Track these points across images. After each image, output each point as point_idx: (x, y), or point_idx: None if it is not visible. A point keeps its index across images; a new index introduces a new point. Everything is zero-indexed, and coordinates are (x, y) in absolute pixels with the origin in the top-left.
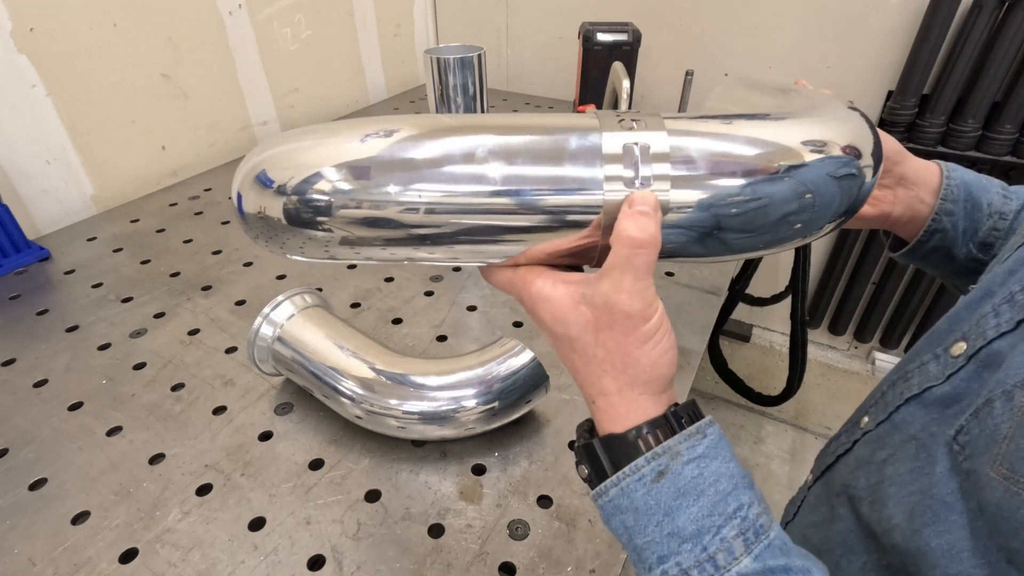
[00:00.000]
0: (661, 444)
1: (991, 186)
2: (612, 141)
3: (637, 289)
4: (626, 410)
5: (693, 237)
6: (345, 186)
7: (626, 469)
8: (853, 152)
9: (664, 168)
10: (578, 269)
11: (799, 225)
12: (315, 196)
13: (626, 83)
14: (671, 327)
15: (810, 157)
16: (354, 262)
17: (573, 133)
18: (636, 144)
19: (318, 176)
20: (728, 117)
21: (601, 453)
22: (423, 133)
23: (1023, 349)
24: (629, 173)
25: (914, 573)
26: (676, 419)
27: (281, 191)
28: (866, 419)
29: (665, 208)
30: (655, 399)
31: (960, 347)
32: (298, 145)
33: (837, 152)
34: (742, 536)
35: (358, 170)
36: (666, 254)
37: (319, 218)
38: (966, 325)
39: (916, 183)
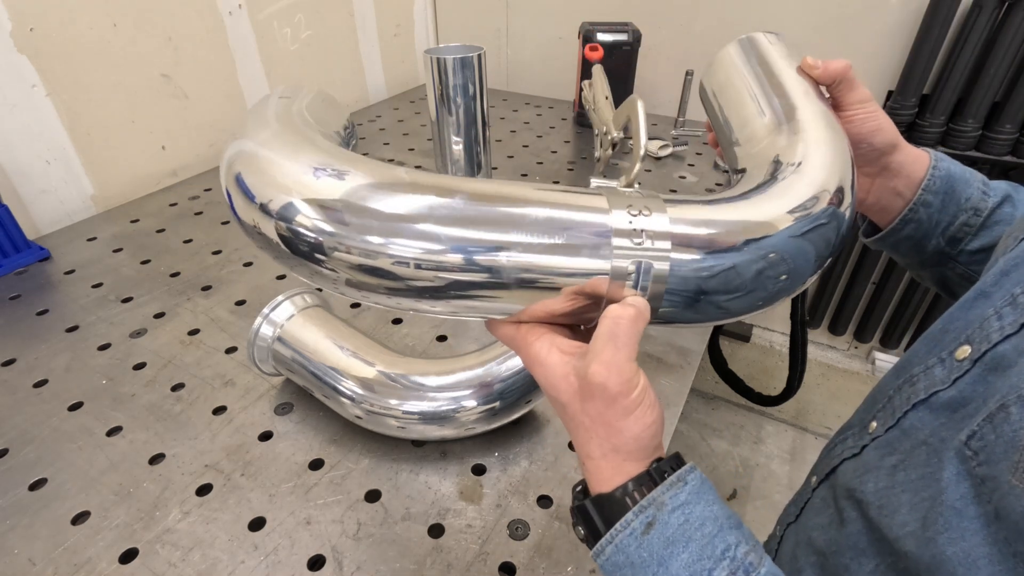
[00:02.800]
0: (646, 497)
1: (973, 180)
2: (619, 220)
3: (616, 363)
4: (611, 473)
5: (685, 304)
6: (326, 227)
7: (617, 525)
8: (836, 200)
9: (665, 246)
10: (579, 328)
11: (784, 277)
12: (303, 231)
13: (644, 138)
14: (656, 400)
15: (784, 224)
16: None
17: (580, 211)
18: (643, 230)
19: (295, 208)
20: (713, 201)
21: (593, 513)
22: (381, 184)
23: None
24: (632, 253)
25: None
26: (659, 473)
27: (265, 211)
28: (875, 424)
29: (660, 280)
30: (639, 464)
31: (964, 351)
32: (265, 151)
33: (818, 210)
34: None
35: (331, 212)
36: (666, 320)
37: (317, 255)
38: (967, 327)
39: (898, 174)
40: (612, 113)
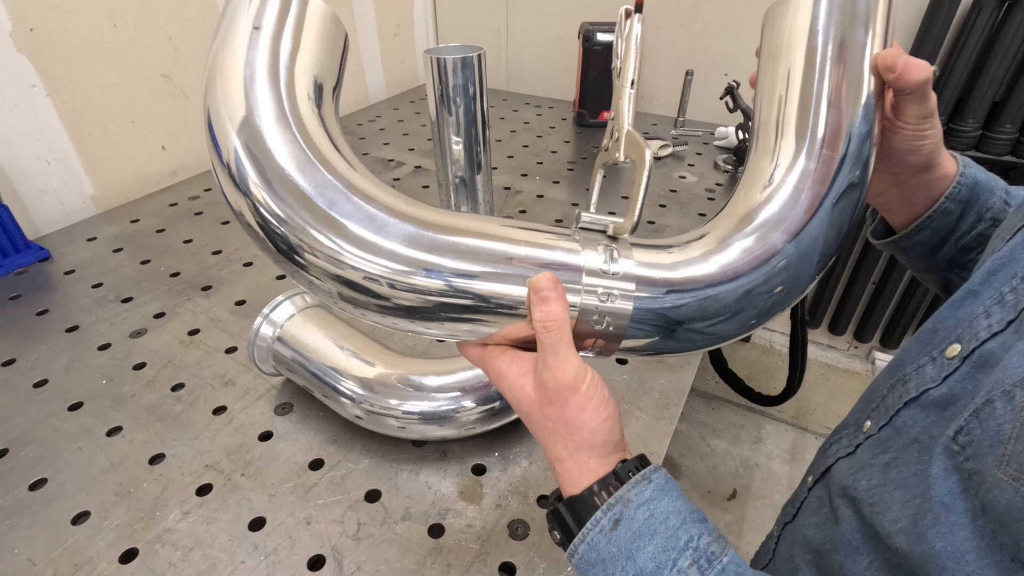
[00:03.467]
0: (613, 495)
1: (996, 189)
2: (590, 260)
3: (558, 365)
4: (579, 473)
5: (660, 335)
6: (285, 213)
7: (588, 524)
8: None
9: (629, 287)
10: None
11: (780, 289)
12: (275, 226)
13: (641, 199)
14: (609, 396)
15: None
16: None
17: (554, 250)
18: (610, 271)
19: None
20: (675, 246)
21: (566, 514)
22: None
23: (1019, 349)
24: (596, 291)
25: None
26: (624, 472)
27: (245, 192)
28: (868, 423)
29: (623, 316)
30: (604, 460)
31: (954, 349)
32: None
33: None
34: (696, 565)
35: (288, 197)
36: (650, 350)
37: (296, 257)
38: (957, 326)
39: (918, 189)
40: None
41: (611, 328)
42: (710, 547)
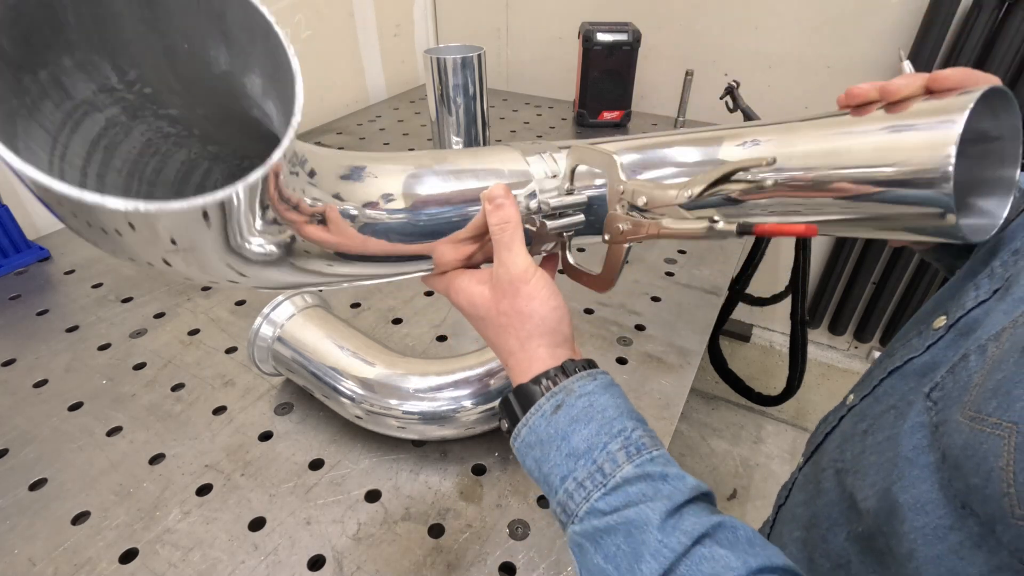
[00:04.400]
0: (558, 385)
1: None
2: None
3: (511, 259)
4: (529, 364)
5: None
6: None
7: (531, 409)
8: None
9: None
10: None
11: None
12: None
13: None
14: (557, 290)
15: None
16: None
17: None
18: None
19: None
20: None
21: (514, 402)
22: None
23: (999, 309)
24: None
25: (886, 532)
26: (572, 368)
27: None
28: (851, 396)
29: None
30: (552, 352)
31: (941, 320)
32: None
33: None
34: (624, 450)
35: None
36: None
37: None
38: (948, 301)
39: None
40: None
41: (548, 221)
42: (641, 439)
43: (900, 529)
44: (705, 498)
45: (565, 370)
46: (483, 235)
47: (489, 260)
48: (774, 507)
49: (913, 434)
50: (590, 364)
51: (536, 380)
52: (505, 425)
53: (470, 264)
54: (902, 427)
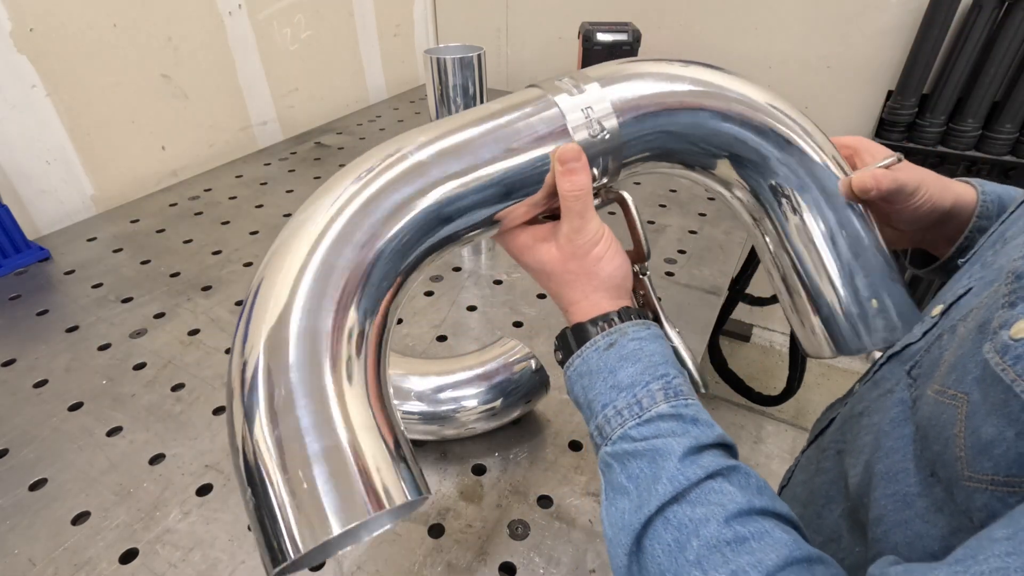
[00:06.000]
0: (615, 326)
1: (1017, 195)
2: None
3: (583, 226)
4: (590, 308)
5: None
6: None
7: (588, 343)
8: None
9: (606, 107)
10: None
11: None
12: None
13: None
14: (620, 248)
15: None
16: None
17: (524, 110)
18: (584, 107)
19: None
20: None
21: (570, 336)
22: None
23: (976, 292)
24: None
25: (864, 503)
26: (626, 313)
27: None
28: (858, 385)
29: (610, 139)
30: (613, 301)
31: (938, 308)
32: None
33: None
34: (664, 391)
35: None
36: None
37: None
38: (947, 293)
39: (944, 227)
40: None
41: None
42: (680, 386)
43: (873, 496)
44: (728, 449)
45: (621, 315)
46: (552, 195)
47: (554, 214)
48: (777, 488)
49: (891, 409)
50: (642, 314)
51: (594, 320)
52: (559, 356)
53: (534, 219)
54: (888, 406)
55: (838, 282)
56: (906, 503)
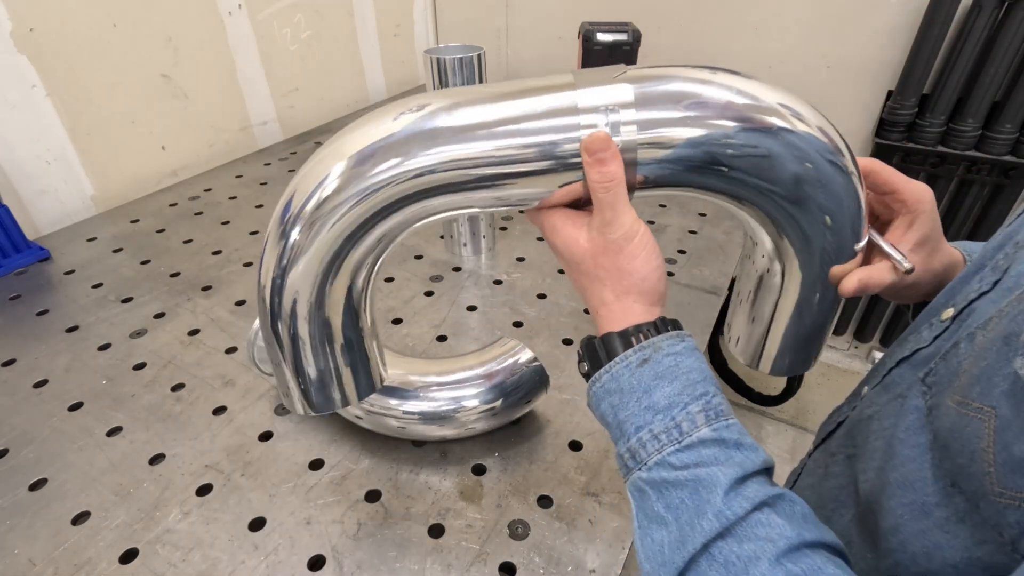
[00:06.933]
0: (648, 340)
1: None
2: (586, 98)
3: (615, 219)
4: (623, 315)
5: (680, 167)
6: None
7: (618, 357)
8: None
9: (630, 114)
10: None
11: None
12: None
13: None
14: (658, 249)
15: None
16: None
17: (551, 95)
18: (606, 102)
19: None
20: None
21: (599, 348)
22: (448, 105)
23: (991, 299)
24: (600, 122)
25: (875, 509)
26: (663, 324)
27: None
28: (866, 388)
29: (631, 147)
30: (647, 308)
31: (948, 312)
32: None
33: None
34: (704, 412)
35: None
36: (668, 184)
37: None
38: (957, 294)
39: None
40: None
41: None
42: (720, 406)
43: (887, 505)
44: (770, 472)
45: (656, 327)
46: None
47: (583, 202)
48: None
49: (906, 416)
50: (677, 325)
51: (625, 332)
52: (585, 367)
53: (569, 204)
54: (901, 412)
55: (781, 329)
56: (924, 512)
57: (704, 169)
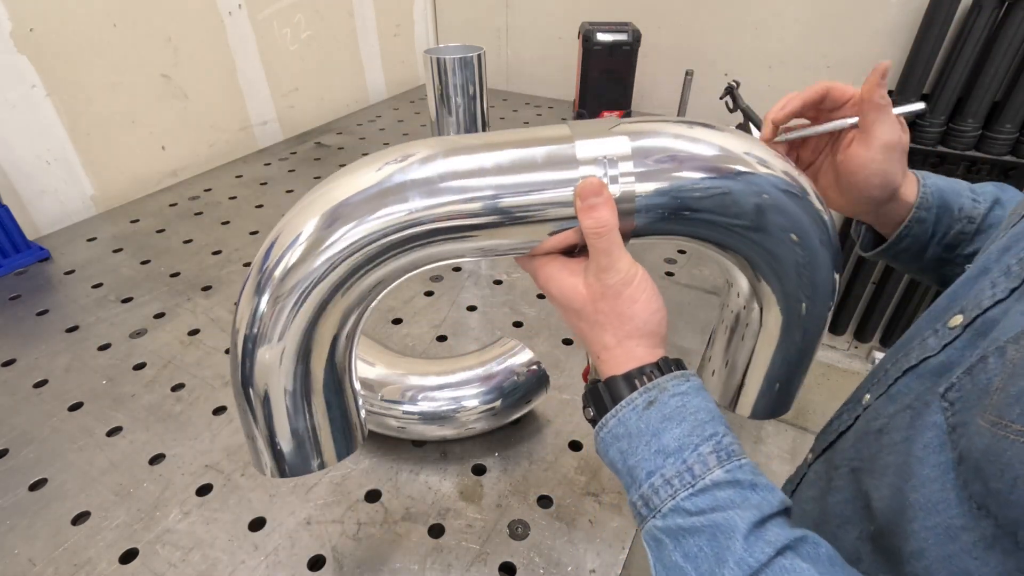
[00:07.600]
0: (652, 381)
1: (962, 190)
2: (584, 150)
3: (610, 264)
4: (625, 359)
5: (669, 216)
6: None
7: (623, 401)
8: None
9: (628, 166)
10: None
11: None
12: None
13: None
14: (657, 292)
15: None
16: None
17: (548, 146)
18: (604, 155)
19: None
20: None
21: (604, 392)
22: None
23: (1017, 310)
24: (599, 172)
25: (895, 531)
26: (665, 365)
27: None
28: (867, 396)
29: (630, 197)
30: (649, 351)
31: (957, 319)
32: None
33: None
34: (716, 454)
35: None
36: (656, 232)
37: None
38: (963, 299)
39: (888, 211)
40: None
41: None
42: (731, 446)
43: (909, 528)
44: (788, 512)
45: (660, 367)
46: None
47: (576, 249)
48: None
49: (925, 433)
50: (681, 364)
51: (629, 375)
52: (591, 413)
53: (563, 251)
54: (917, 427)
55: (761, 373)
56: (949, 536)
57: (691, 218)
